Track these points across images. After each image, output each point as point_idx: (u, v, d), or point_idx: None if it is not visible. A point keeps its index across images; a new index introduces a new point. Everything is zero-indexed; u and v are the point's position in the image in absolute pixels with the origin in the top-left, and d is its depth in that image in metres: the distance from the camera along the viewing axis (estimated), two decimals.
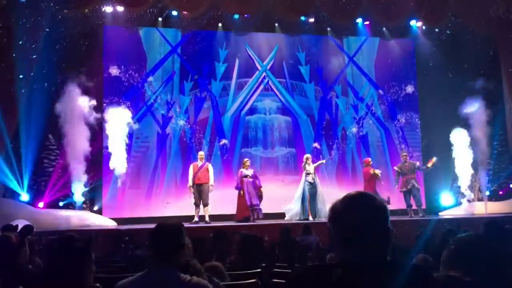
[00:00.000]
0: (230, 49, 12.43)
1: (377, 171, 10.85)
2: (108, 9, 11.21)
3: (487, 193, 12.34)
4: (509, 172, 12.23)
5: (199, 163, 10.20)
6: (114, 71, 11.61)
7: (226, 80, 12.39)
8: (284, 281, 3.90)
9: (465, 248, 2.12)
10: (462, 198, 11.95)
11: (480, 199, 12.18)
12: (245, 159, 10.68)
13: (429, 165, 11.03)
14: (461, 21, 11.81)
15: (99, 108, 11.17)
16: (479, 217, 10.08)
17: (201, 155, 10.38)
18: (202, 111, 12.16)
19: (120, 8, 11.22)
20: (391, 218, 1.63)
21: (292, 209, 10.43)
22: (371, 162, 11.21)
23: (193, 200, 10.11)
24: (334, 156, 12.47)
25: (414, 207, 10.80)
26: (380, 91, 13.16)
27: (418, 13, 12.12)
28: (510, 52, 12.01)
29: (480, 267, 2.04)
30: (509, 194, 12.06)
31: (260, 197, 10.26)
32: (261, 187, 10.37)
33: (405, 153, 11.43)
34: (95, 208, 10.92)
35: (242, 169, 10.48)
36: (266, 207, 10.31)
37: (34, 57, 10.23)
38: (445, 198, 12.38)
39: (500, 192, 12.28)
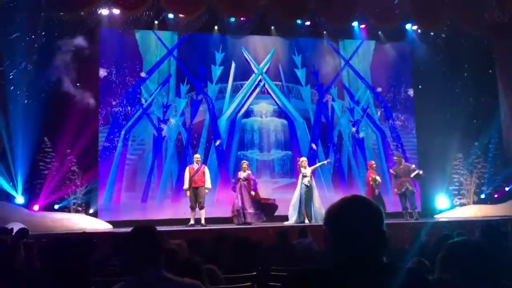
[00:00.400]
0: (226, 52, 12.45)
1: (377, 177, 10.76)
2: (104, 11, 11.21)
3: (483, 196, 12.41)
4: (505, 175, 12.28)
5: (195, 166, 10.18)
6: (110, 73, 11.61)
7: (222, 83, 12.39)
8: (280, 284, 3.90)
9: (459, 253, 2.14)
10: (456, 200, 12.06)
11: (475, 202, 12.24)
12: (243, 161, 10.69)
13: (414, 174, 10.89)
14: (456, 25, 11.86)
15: (95, 111, 11.22)
16: (474, 220, 10.11)
17: (197, 158, 10.36)
18: (198, 114, 12.16)
19: (116, 11, 11.22)
20: (387, 221, 1.64)
21: (292, 215, 10.36)
22: (374, 165, 11.12)
23: (189, 203, 10.10)
24: (330, 159, 12.45)
25: (409, 210, 10.81)
26: (379, 89, 13.18)
27: (414, 17, 12.17)
28: (504, 55, 12.08)
29: (474, 272, 2.06)
30: (505, 197, 12.11)
31: (253, 201, 10.21)
32: (254, 190, 10.32)
33: (397, 156, 11.39)
34: (91, 211, 10.89)
35: (239, 172, 10.52)
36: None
37: (30, 58, 10.24)
38: (441, 200, 12.41)
39: (496, 195, 12.32)
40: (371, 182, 10.71)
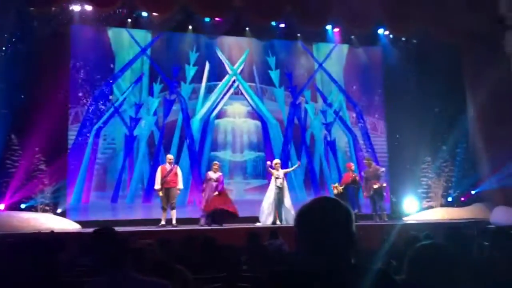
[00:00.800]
0: (200, 52, 12.39)
1: (338, 187, 11.02)
2: (76, 8, 11.00)
3: (450, 199, 12.70)
4: (471, 179, 12.59)
5: (168, 166, 10.09)
6: (81, 71, 11.40)
7: (196, 83, 12.32)
8: (250, 285, 3.91)
9: (426, 255, 2.19)
10: (424, 203, 12.35)
11: (442, 205, 12.52)
12: (214, 162, 10.66)
13: (375, 186, 11.05)
14: (427, 31, 12.10)
15: (65, 108, 11.01)
16: (441, 223, 10.35)
17: (170, 158, 10.26)
18: (171, 114, 12.06)
19: (88, 8, 11.03)
20: (357, 223, 1.66)
21: (267, 216, 10.36)
22: (352, 167, 11.37)
23: (160, 204, 10.01)
24: (302, 161, 12.53)
25: (378, 212, 10.99)
26: (354, 87, 13.33)
27: (386, 22, 12.37)
28: (472, 62, 12.38)
29: (440, 274, 2.11)
30: (471, 201, 12.42)
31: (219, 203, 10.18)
32: (221, 191, 10.24)
33: (366, 160, 11.62)
34: (59, 210, 10.66)
35: (209, 172, 10.46)
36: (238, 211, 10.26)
37: None
38: (409, 203, 12.62)
39: (462, 199, 12.63)
40: (334, 191, 10.96)
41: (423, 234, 4.51)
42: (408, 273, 2.20)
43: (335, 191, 10.98)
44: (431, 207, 12.51)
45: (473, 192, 12.58)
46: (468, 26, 11.44)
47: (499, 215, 11.06)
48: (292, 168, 11.12)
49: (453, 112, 12.65)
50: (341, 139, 13.23)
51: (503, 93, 11.78)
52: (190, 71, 12.28)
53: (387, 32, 13.10)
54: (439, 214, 11.98)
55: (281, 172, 10.56)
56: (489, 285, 2.82)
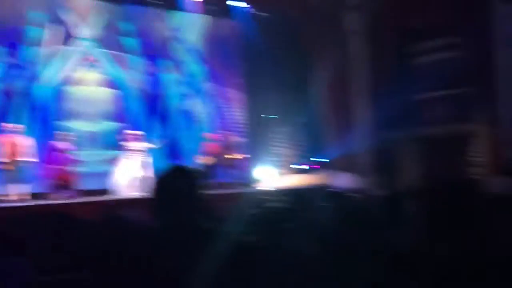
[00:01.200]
0: (46, 12, 11.26)
1: (201, 158, 11.37)
2: None
3: (300, 166, 13.75)
4: (320, 147, 13.73)
5: (13, 136, 9.35)
6: None
7: (42, 47, 11.27)
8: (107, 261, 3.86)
9: (275, 219, 2.42)
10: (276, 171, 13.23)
11: (294, 172, 13.50)
12: (62, 132, 10.15)
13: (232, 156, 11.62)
14: (280, 5, 12.70)
15: None
16: (291, 189, 11.11)
17: (15, 127, 9.50)
18: (13, 80, 10.92)
19: None
20: (213, 191, 1.78)
21: (124, 188, 10.19)
22: (212, 137, 11.68)
23: (6, 178, 9.26)
24: (162, 132, 12.40)
25: (233, 180, 11.51)
26: (212, 61, 13.44)
27: None
28: (319, 37, 13.21)
29: (286, 236, 2.35)
30: (319, 167, 13.56)
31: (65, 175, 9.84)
32: (69, 162, 9.91)
33: (224, 130, 12.03)
34: None
35: (57, 142, 9.99)
36: (90, 183, 9.92)
37: None
38: (264, 171, 13.34)
39: (311, 166, 13.73)
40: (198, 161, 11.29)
41: (274, 199, 4.84)
42: (258, 234, 2.39)
43: (199, 161, 11.18)
44: (283, 174, 13.39)
45: (320, 160, 13.71)
46: (312, 3, 12.20)
47: (341, 181, 12.26)
48: (151, 145, 10.97)
49: (304, 84, 13.54)
50: (200, 110, 13.34)
51: (347, 66, 12.92)
52: (35, 33, 11.15)
53: (244, 4, 13.43)
54: (290, 181, 12.87)
55: (139, 144, 10.42)
56: (330, 245, 3.17)
